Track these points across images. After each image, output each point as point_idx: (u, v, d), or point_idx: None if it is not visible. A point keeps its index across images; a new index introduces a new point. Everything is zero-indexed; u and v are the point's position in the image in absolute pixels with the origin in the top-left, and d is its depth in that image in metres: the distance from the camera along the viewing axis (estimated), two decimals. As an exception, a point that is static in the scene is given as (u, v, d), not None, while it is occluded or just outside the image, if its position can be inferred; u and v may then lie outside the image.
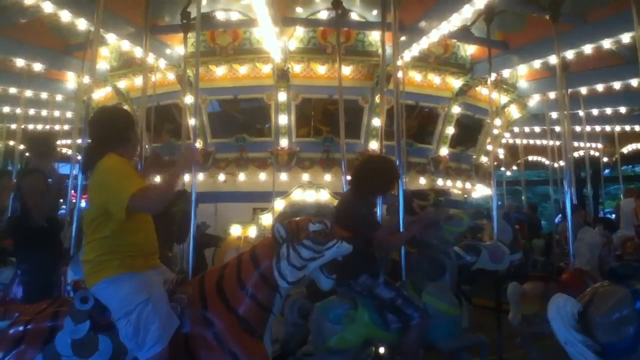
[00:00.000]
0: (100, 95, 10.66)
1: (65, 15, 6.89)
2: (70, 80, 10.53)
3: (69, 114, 12.00)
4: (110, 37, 8.06)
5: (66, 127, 12.50)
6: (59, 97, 11.16)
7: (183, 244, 5.82)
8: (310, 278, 3.12)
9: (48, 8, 6.65)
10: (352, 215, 3.95)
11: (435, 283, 4.15)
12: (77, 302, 2.92)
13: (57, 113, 12.08)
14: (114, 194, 2.84)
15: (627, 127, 12.80)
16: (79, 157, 5.42)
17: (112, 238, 2.89)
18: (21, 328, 2.91)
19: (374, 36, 9.11)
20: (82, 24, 7.16)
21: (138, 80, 9.65)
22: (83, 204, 5.40)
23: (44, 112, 11.96)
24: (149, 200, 2.87)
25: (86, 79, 9.10)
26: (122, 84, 10.26)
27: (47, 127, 12.65)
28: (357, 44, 9.24)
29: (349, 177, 4.46)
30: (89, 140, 3.29)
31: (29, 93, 10.28)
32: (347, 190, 4.35)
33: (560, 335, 3.08)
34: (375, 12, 8.88)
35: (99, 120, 3.25)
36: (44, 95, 10.88)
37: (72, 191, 7.26)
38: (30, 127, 12.64)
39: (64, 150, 12.48)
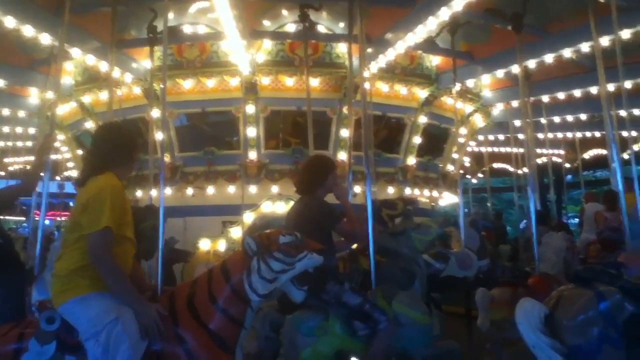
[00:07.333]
0: (65, 110, 10.45)
1: (28, 30, 6.73)
2: (33, 95, 10.31)
3: (31, 130, 11.74)
4: (75, 52, 7.92)
5: (29, 143, 12.22)
6: (21, 113, 10.92)
7: (151, 260, 5.74)
8: (282, 291, 3.12)
9: (10, 23, 6.50)
10: (317, 210, 4.02)
11: (406, 292, 4.18)
12: (43, 323, 2.86)
13: (19, 129, 11.81)
14: (91, 219, 2.83)
15: (588, 134, 13.12)
16: (42, 175, 5.24)
17: (86, 253, 2.84)
18: (-16, 351, 2.83)
19: (341, 48, 9.17)
20: (45, 39, 7.01)
21: (103, 95, 9.47)
22: (47, 222, 5.27)
23: (6, 129, 11.68)
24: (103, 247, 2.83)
25: (50, 94, 8.96)
26: (87, 98, 10.07)
27: (10, 144, 12.37)
28: (324, 56, 9.28)
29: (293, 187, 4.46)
30: (90, 154, 3.23)
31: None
32: (299, 198, 4.36)
33: (528, 339, 3.15)
34: (342, 24, 8.94)
35: (107, 136, 3.23)
36: (5, 111, 10.64)
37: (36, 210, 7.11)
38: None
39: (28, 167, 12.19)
